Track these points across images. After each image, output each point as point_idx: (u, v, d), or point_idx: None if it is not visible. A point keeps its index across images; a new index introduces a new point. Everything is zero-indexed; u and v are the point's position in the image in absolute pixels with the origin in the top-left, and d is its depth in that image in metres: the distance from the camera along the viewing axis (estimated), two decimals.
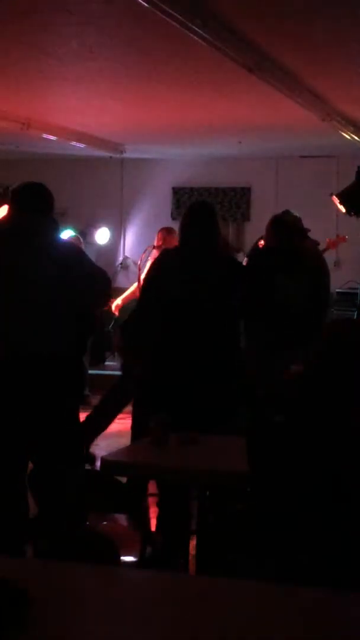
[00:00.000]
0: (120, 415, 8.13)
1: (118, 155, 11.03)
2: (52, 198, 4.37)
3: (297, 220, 6.22)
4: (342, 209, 7.62)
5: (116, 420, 7.93)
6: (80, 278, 4.24)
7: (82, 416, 4.96)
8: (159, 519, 4.46)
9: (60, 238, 4.65)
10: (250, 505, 2.87)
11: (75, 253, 4.46)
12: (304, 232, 6.12)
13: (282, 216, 6.15)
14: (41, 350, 4.09)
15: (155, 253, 7.93)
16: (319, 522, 2.52)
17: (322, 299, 6.11)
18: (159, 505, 4.57)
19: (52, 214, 4.38)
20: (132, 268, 11.46)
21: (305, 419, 2.72)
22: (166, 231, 8.60)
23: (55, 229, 4.38)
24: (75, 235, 10.16)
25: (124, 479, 4.16)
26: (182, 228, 4.74)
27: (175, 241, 8.44)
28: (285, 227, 5.94)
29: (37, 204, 4.29)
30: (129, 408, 7.96)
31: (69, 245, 4.96)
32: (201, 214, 4.70)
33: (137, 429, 5.59)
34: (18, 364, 4.11)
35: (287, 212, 6.43)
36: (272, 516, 2.60)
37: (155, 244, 8.28)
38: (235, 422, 4.32)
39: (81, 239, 10.35)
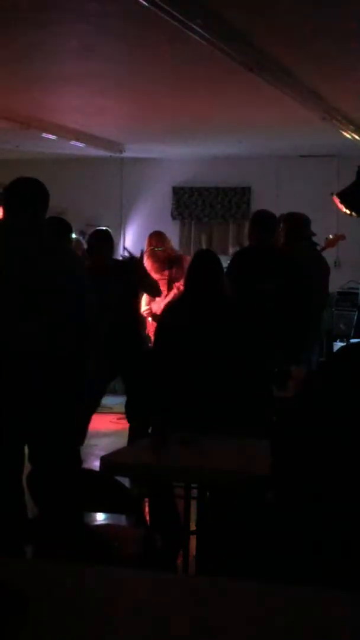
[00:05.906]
0: (120, 415, 8.13)
1: (118, 155, 11.03)
2: (47, 193, 4.33)
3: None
4: (343, 208, 7.65)
5: (116, 420, 7.93)
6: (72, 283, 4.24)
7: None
8: (151, 519, 4.45)
9: (51, 240, 4.60)
10: (271, 506, 2.85)
11: (71, 261, 4.44)
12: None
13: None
14: (32, 351, 4.08)
15: (144, 258, 7.83)
16: (343, 525, 2.48)
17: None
18: (150, 506, 4.55)
19: (46, 208, 4.34)
20: None
21: (327, 419, 2.68)
22: (157, 235, 8.51)
23: (52, 229, 4.35)
24: (75, 239, 10.09)
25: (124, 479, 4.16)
26: (189, 274, 4.89)
27: (166, 244, 8.39)
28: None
29: (31, 201, 4.26)
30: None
31: (68, 250, 4.93)
32: (207, 260, 4.87)
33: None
34: (11, 364, 4.11)
35: None
36: (296, 518, 2.56)
37: (145, 248, 8.18)
38: (235, 422, 4.32)
39: (82, 242, 10.26)
